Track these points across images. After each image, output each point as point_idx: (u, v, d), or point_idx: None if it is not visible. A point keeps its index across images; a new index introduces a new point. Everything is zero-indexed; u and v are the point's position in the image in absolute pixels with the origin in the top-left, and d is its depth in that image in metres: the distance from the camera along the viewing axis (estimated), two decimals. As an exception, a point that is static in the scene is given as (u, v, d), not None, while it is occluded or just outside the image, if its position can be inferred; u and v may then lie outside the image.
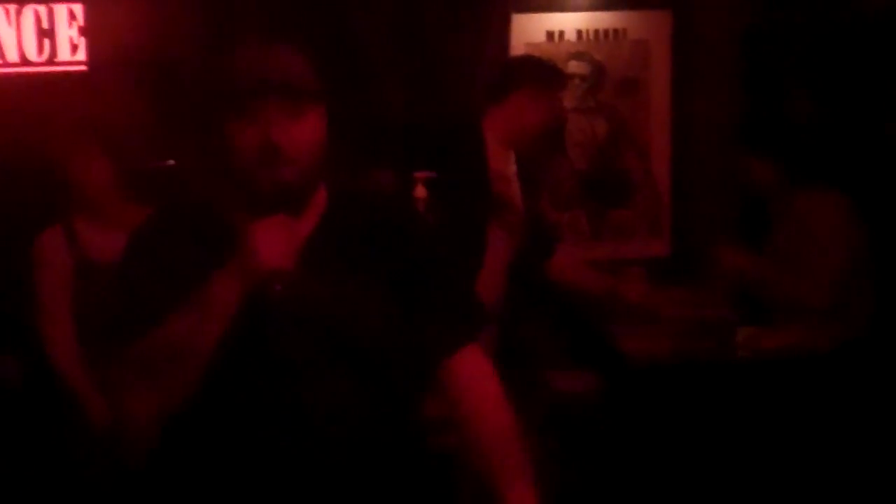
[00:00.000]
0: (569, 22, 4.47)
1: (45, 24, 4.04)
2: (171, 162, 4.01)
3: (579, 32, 4.48)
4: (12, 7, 3.99)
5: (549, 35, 4.46)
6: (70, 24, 4.06)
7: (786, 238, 3.65)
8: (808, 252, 3.54)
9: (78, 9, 4.05)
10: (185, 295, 1.75)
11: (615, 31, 4.51)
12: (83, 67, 4.07)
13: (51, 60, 4.06)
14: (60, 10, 4.04)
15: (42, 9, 4.03)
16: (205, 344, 1.74)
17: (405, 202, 2.14)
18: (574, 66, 4.48)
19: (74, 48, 4.07)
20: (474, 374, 1.95)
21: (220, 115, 1.81)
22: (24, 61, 4.04)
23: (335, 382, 1.81)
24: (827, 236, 3.52)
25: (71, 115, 3.33)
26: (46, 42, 4.05)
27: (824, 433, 3.44)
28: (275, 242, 1.74)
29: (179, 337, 1.74)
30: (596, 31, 4.49)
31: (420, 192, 3.48)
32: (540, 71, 3.49)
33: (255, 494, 1.80)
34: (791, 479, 3.41)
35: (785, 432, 3.43)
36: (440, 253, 2.02)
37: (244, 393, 1.80)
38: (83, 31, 4.06)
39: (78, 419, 3.12)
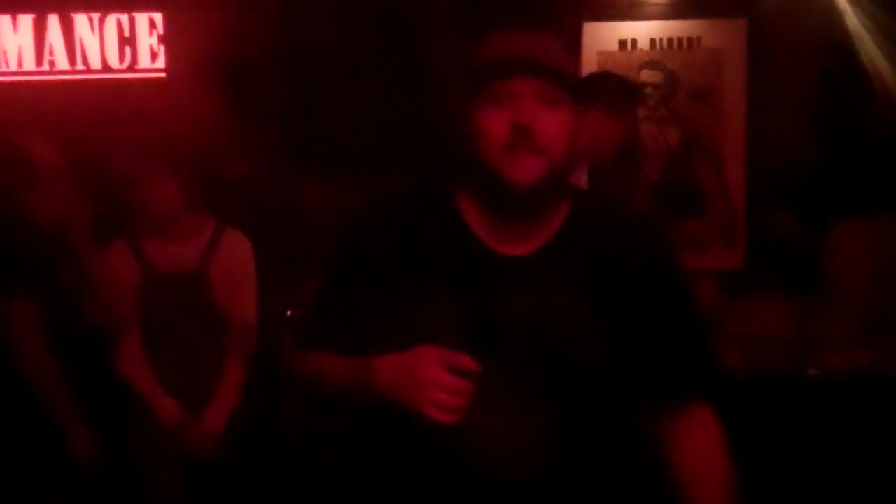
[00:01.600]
0: (642, 30, 4.45)
1: (126, 33, 4.16)
2: (242, 168, 4.06)
3: (652, 41, 4.45)
4: (96, 16, 4.13)
5: (622, 43, 4.44)
6: (150, 33, 4.17)
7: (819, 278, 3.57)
8: (827, 285, 3.47)
9: (158, 18, 4.17)
10: (397, 310, 1.65)
11: (689, 39, 4.47)
12: (162, 75, 4.18)
13: (131, 68, 4.18)
14: (142, 19, 4.17)
15: (124, 17, 4.18)
16: (351, 403, 1.73)
17: (654, 225, 1.98)
18: (647, 75, 4.45)
19: (154, 56, 4.18)
20: (698, 437, 1.78)
21: (462, 103, 1.69)
22: (106, 68, 4.17)
23: (549, 402, 1.68)
24: (842, 262, 3.43)
25: (146, 128, 3.38)
26: (128, 50, 4.17)
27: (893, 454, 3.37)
28: (440, 391, 1.57)
29: (331, 384, 1.72)
30: (669, 40, 4.46)
31: None
32: (618, 88, 3.47)
33: None
34: (858, 498, 3.34)
35: (852, 451, 3.36)
36: (684, 291, 1.83)
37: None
38: (163, 40, 4.17)
39: (146, 420, 3.20)
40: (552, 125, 1.65)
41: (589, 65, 4.38)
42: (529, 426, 1.66)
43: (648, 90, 4.43)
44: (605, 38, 4.43)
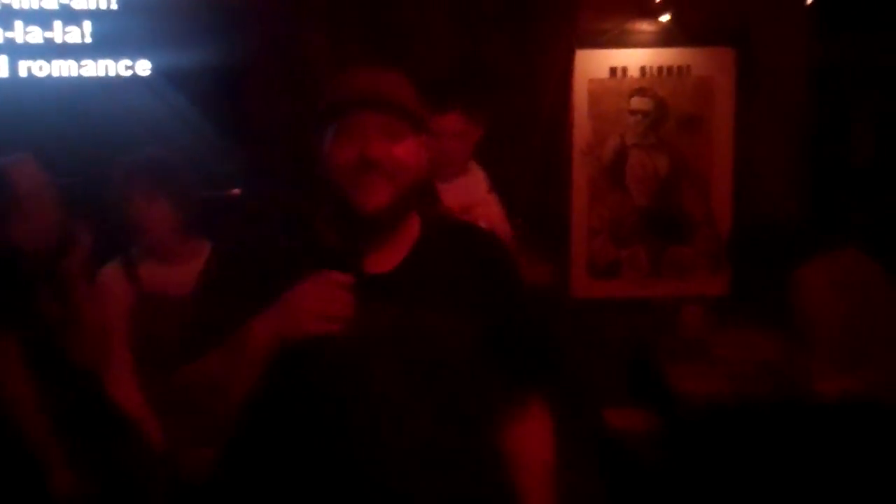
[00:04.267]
0: (633, 58, 4.49)
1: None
2: (236, 191, 4.07)
3: (643, 69, 4.49)
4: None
5: (613, 71, 4.48)
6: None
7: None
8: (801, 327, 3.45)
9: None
10: (240, 324, 1.72)
11: (679, 67, 4.51)
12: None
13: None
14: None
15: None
16: (236, 386, 1.71)
17: (498, 238, 2.13)
18: (636, 102, 4.49)
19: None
20: (531, 429, 1.99)
21: (316, 133, 1.83)
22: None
23: (415, 413, 1.77)
24: (808, 305, 3.39)
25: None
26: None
27: (886, 482, 3.38)
28: (320, 302, 1.68)
29: (213, 374, 1.71)
30: (660, 68, 4.50)
31: None
32: None
33: None
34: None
35: (840, 478, 3.38)
36: (526, 296, 2.01)
37: (308, 430, 1.76)
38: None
39: (137, 441, 3.19)
40: (397, 156, 1.80)
41: (580, 92, 4.43)
42: (406, 431, 1.76)
43: (638, 117, 4.47)
44: (596, 65, 4.47)
